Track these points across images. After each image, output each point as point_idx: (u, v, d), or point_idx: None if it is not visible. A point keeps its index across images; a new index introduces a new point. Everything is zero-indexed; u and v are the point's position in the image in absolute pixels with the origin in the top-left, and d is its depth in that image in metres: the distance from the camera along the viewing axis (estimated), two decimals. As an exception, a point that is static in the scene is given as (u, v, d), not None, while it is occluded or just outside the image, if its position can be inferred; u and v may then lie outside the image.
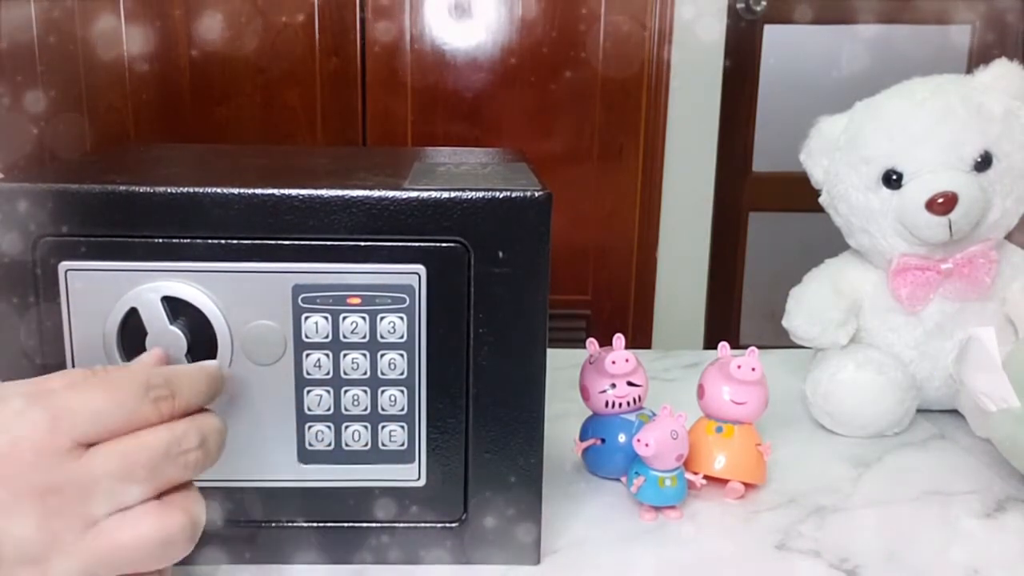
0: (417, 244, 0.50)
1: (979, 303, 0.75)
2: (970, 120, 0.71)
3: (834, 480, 0.68)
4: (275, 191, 0.49)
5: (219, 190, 0.49)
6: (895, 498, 0.65)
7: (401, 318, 0.51)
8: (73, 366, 0.49)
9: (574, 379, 0.66)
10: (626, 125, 2.00)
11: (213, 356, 0.50)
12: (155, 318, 0.49)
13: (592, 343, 0.66)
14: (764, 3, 2.08)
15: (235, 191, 0.49)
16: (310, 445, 0.53)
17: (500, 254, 0.50)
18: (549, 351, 0.53)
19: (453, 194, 0.50)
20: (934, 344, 0.76)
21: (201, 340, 0.50)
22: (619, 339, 0.64)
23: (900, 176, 0.72)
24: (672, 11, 1.94)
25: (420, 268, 0.51)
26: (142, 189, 0.49)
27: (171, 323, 0.49)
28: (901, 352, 0.76)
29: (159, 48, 1.89)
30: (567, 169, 2.00)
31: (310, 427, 0.52)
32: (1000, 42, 2.12)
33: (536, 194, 0.50)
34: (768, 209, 2.21)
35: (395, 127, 1.97)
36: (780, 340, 0.83)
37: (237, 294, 0.50)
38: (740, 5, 2.08)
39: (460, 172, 0.57)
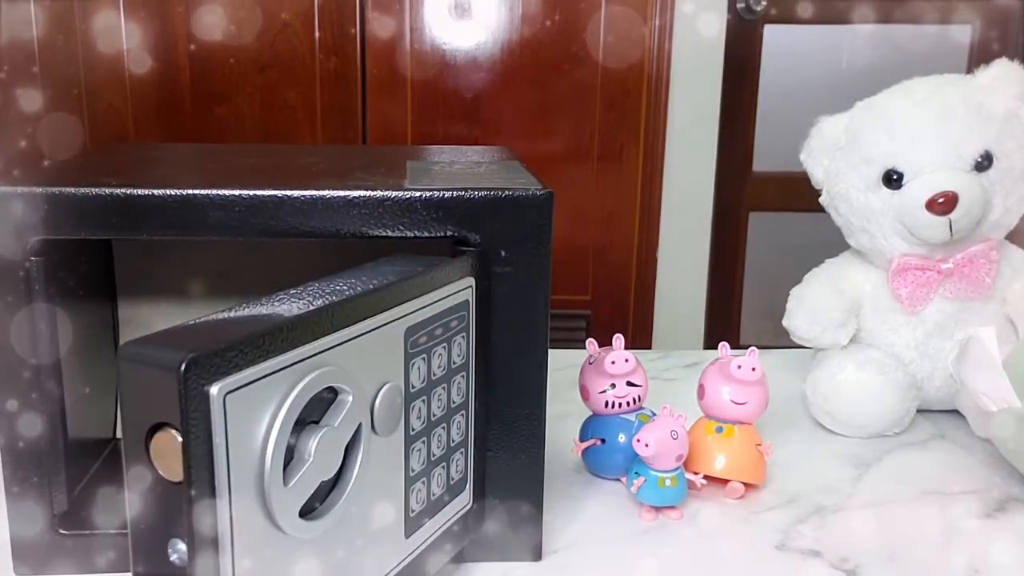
0: (463, 255, 0.48)
1: (979, 303, 0.75)
2: (970, 120, 0.71)
3: (834, 480, 0.68)
4: (275, 192, 0.49)
5: (221, 192, 0.48)
6: (895, 498, 0.65)
7: (464, 337, 0.49)
8: (229, 493, 0.35)
9: (574, 379, 0.66)
10: (626, 125, 1.99)
11: (353, 446, 0.41)
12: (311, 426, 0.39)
13: (592, 343, 0.66)
14: (764, 3, 2.08)
15: (236, 193, 0.48)
16: (412, 511, 0.47)
17: (503, 253, 0.50)
18: (549, 351, 0.53)
19: (455, 194, 0.50)
20: (934, 344, 0.76)
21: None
22: (619, 339, 0.64)
23: (900, 176, 0.72)
24: (672, 11, 1.94)
25: (471, 280, 0.49)
26: (141, 192, 0.48)
27: (319, 420, 0.40)
28: (901, 352, 0.76)
29: (159, 48, 1.89)
30: (567, 169, 2.00)
31: (413, 488, 0.47)
32: (1000, 42, 2.12)
33: (538, 193, 0.50)
34: (768, 209, 2.20)
35: (395, 127, 1.97)
36: (780, 340, 0.82)
37: (362, 359, 0.41)
38: (740, 5, 2.08)
39: (456, 172, 0.57)
